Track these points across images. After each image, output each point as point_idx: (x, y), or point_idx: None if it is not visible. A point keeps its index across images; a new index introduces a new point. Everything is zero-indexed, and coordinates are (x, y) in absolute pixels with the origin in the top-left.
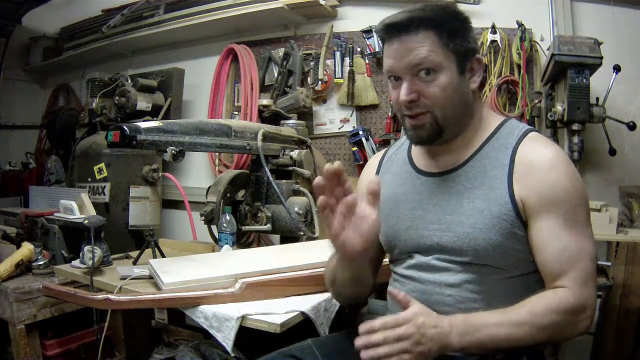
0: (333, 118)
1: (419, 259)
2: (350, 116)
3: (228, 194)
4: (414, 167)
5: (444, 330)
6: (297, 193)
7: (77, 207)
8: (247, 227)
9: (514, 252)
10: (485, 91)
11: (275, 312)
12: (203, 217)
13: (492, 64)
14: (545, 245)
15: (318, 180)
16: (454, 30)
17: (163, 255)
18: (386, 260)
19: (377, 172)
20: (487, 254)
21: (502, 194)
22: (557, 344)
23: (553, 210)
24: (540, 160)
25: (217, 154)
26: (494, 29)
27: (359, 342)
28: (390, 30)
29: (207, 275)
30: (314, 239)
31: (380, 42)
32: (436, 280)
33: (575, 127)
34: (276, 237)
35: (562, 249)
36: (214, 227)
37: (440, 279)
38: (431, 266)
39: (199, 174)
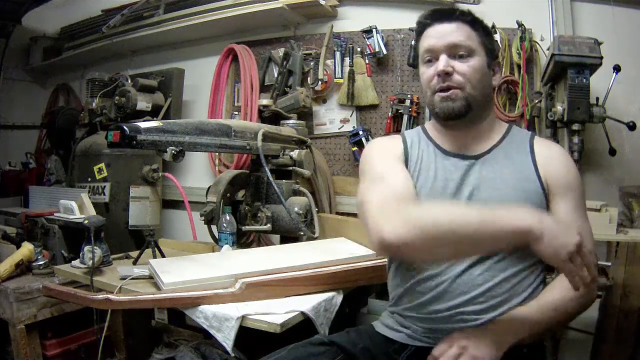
0: (333, 118)
1: None
2: (350, 116)
3: (228, 194)
4: (440, 149)
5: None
6: (297, 193)
7: (77, 207)
8: (247, 227)
9: None
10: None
11: (275, 312)
12: (203, 217)
13: None
14: None
15: None
16: (485, 29)
17: (163, 255)
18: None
19: (405, 150)
20: None
21: (530, 174)
22: (558, 340)
23: (568, 195)
24: (556, 153)
25: (217, 154)
26: (494, 29)
27: None
28: (436, 15)
29: (207, 275)
30: (314, 239)
31: (417, 32)
32: (466, 261)
33: (575, 127)
34: (276, 237)
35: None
36: (214, 227)
37: (470, 260)
38: None
39: (199, 174)
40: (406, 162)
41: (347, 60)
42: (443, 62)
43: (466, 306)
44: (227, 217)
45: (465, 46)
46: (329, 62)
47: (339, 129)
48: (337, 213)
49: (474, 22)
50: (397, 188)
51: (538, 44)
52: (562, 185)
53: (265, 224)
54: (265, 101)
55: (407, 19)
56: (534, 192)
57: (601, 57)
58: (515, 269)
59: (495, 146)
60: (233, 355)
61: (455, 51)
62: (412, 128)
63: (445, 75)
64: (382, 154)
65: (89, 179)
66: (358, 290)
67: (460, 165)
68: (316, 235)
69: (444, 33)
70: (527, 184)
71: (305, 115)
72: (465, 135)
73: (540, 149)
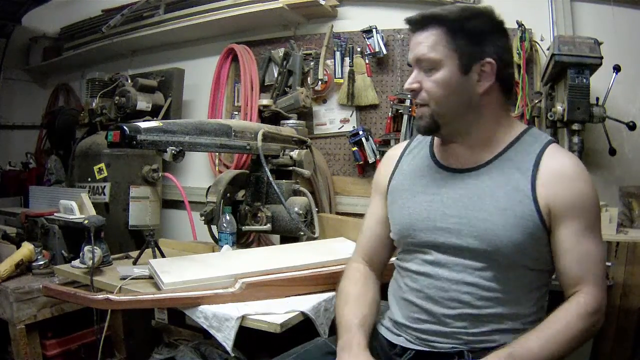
0: (333, 118)
1: (436, 255)
2: (350, 116)
3: (228, 194)
4: (436, 162)
5: None
6: (297, 193)
7: (77, 207)
8: (247, 227)
9: (532, 252)
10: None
11: (275, 312)
12: (203, 217)
13: None
14: (570, 250)
15: None
16: (464, 30)
17: (163, 255)
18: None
19: (397, 163)
20: (509, 251)
21: (526, 196)
22: None
23: (577, 217)
24: (567, 169)
25: (217, 154)
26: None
27: None
28: (409, 26)
29: (207, 275)
30: (314, 239)
31: None
32: (453, 277)
33: (575, 127)
34: (276, 237)
35: (583, 253)
36: (214, 227)
37: (457, 277)
38: (449, 262)
39: (199, 174)
40: (392, 177)
41: (347, 60)
42: (410, 78)
43: (455, 320)
44: (227, 217)
45: (427, 60)
46: (329, 62)
47: (339, 129)
48: (337, 213)
49: (447, 24)
50: (363, 238)
51: (538, 44)
52: (567, 208)
53: (265, 224)
54: (265, 101)
55: None
56: (528, 216)
57: (601, 57)
58: (507, 295)
59: (497, 157)
60: (233, 355)
61: (420, 64)
62: (412, 128)
63: (412, 92)
64: (375, 183)
65: (89, 179)
66: None
67: (452, 179)
68: (316, 235)
69: (413, 45)
70: (520, 207)
71: (305, 115)
72: (457, 146)
73: (549, 164)
